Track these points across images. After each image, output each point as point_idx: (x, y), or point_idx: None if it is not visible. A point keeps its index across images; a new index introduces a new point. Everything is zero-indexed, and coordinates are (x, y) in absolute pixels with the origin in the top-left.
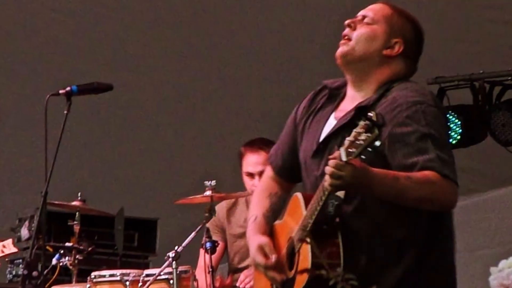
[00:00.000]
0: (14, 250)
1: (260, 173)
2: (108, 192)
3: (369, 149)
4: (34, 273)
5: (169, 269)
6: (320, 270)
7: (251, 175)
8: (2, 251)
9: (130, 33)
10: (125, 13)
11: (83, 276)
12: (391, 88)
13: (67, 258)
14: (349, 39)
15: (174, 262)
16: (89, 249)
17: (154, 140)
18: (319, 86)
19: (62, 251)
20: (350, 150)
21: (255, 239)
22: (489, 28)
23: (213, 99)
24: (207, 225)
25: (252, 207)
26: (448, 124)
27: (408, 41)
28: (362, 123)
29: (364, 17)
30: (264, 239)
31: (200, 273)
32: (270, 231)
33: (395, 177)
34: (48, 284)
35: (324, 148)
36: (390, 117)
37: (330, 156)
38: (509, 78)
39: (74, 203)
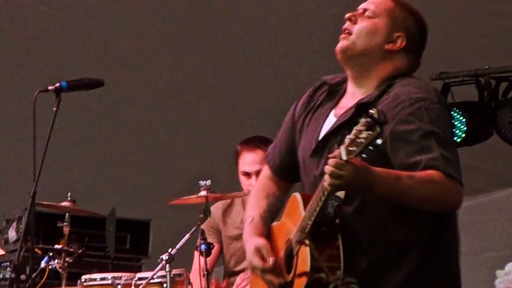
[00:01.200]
0: (1, 252)
1: (257, 173)
2: (99, 192)
3: (370, 148)
4: (22, 277)
5: (162, 273)
6: (319, 274)
7: (247, 174)
8: None
9: (121, 27)
10: (116, 7)
11: (73, 280)
12: (393, 84)
13: (56, 261)
14: (350, 33)
15: (167, 265)
16: (79, 251)
17: (146, 138)
18: (319, 82)
19: (51, 254)
20: (350, 148)
21: (252, 241)
22: (495, 21)
23: (208, 96)
24: (202, 226)
25: (249, 208)
26: (453, 121)
27: (411, 35)
28: (363, 120)
29: (365, 10)
30: (261, 241)
31: (195, 276)
32: (267, 233)
33: (397, 176)
34: None
35: (323, 147)
36: (392, 114)
37: (330, 155)
38: None
39: (63, 203)
